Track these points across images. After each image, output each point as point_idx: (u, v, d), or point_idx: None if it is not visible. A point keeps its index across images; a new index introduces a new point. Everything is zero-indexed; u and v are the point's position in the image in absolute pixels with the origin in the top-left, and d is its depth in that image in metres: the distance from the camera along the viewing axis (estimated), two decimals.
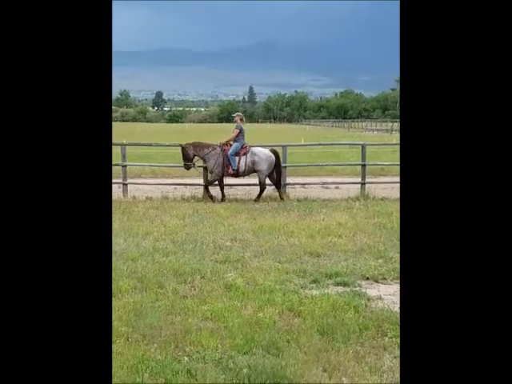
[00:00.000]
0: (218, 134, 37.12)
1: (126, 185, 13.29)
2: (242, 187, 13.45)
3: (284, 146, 13.56)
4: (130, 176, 13.44)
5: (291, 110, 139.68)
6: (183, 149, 12.71)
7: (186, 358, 4.18)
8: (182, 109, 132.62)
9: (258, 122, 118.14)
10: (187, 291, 5.83)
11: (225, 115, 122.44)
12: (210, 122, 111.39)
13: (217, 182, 12.64)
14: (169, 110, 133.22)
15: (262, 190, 12.51)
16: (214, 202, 12.14)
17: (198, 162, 13.03)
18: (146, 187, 12.41)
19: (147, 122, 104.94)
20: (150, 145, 18.39)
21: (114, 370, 3.93)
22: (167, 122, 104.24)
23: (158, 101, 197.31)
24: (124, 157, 13.25)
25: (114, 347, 4.34)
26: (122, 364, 4.03)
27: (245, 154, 12.38)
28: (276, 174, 12.57)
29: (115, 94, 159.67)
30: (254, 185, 12.74)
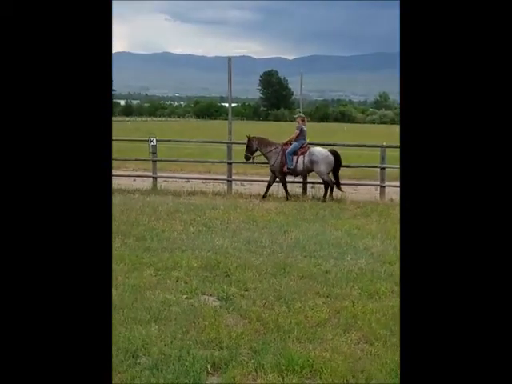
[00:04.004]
0: None
1: (383, 187, 13.25)
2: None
3: None
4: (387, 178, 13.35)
5: None
6: (249, 141, 13.21)
7: None
8: None
9: None
10: None
11: None
12: None
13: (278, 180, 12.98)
14: None
15: (330, 189, 12.58)
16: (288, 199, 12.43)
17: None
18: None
19: None
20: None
21: (372, 372, 3.92)
22: None
23: None
24: (384, 159, 13.21)
25: (372, 349, 4.34)
26: (381, 367, 3.99)
27: (303, 153, 12.61)
28: (333, 174, 12.64)
29: (374, 96, 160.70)
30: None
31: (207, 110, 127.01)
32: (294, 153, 12.67)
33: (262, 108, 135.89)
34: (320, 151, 12.76)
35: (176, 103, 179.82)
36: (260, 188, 13.42)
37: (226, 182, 14.02)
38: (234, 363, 4.05)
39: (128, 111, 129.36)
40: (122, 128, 52.53)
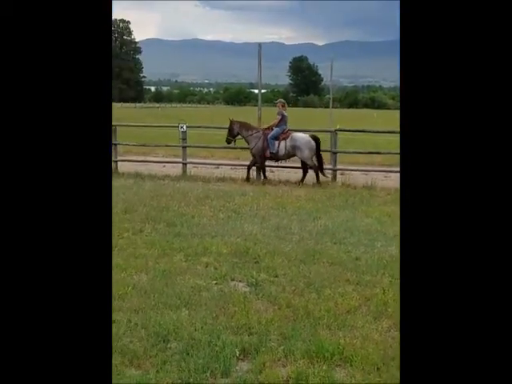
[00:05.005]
0: None
1: None
2: None
3: None
4: None
5: None
6: (231, 124, 13.48)
7: None
8: None
9: None
10: None
11: None
12: None
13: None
14: None
15: (316, 173, 12.80)
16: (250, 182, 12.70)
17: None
18: None
19: None
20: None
21: None
22: None
23: None
24: None
25: None
26: None
27: (284, 138, 12.83)
28: (317, 159, 12.85)
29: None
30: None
31: (236, 96, 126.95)
32: (276, 138, 12.88)
33: (291, 94, 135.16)
34: (302, 136, 13.03)
35: (205, 89, 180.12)
36: (289, 175, 13.39)
37: (255, 168, 14.01)
38: (263, 349, 4.06)
39: (158, 98, 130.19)
40: (152, 114, 52.89)
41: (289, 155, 13.03)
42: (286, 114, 13.18)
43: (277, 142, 12.86)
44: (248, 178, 13.10)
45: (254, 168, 13.68)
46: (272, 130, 13.03)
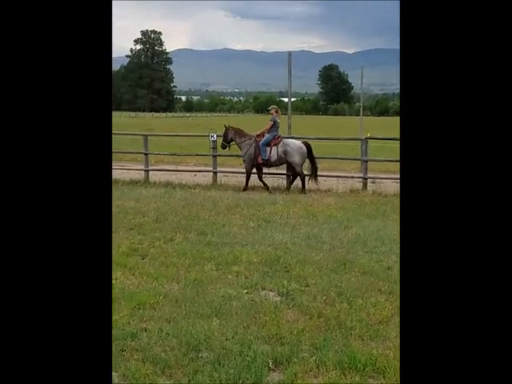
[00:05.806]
0: None
1: None
2: None
3: None
4: None
5: None
6: (225, 130, 13.67)
7: None
8: None
9: None
10: None
11: None
12: None
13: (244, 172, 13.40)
14: None
15: (302, 181, 12.87)
16: (269, 192, 12.57)
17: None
18: None
19: None
20: None
21: None
22: None
23: None
24: None
25: None
26: None
27: (276, 144, 12.91)
28: (310, 165, 12.95)
29: None
30: None
31: (266, 105, 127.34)
32: (267, 144, 12.97)
33: (321, 102, 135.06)
34: (294, 142, 13.14)
35: (236, 99, 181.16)
36: (320, 183, 13.33)
37: (284, 176, 14.00)
38: (295, 359, 4.03)
39: (189, 107, 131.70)
40: (183, 124, 53.38)
41: (281, 161, 13.12)
42: (278, 120, 13.26)
43: (268, 149, 12.98)
44: (267, 188, 13.09)
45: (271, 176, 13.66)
46: (263, 136, 13.14)
